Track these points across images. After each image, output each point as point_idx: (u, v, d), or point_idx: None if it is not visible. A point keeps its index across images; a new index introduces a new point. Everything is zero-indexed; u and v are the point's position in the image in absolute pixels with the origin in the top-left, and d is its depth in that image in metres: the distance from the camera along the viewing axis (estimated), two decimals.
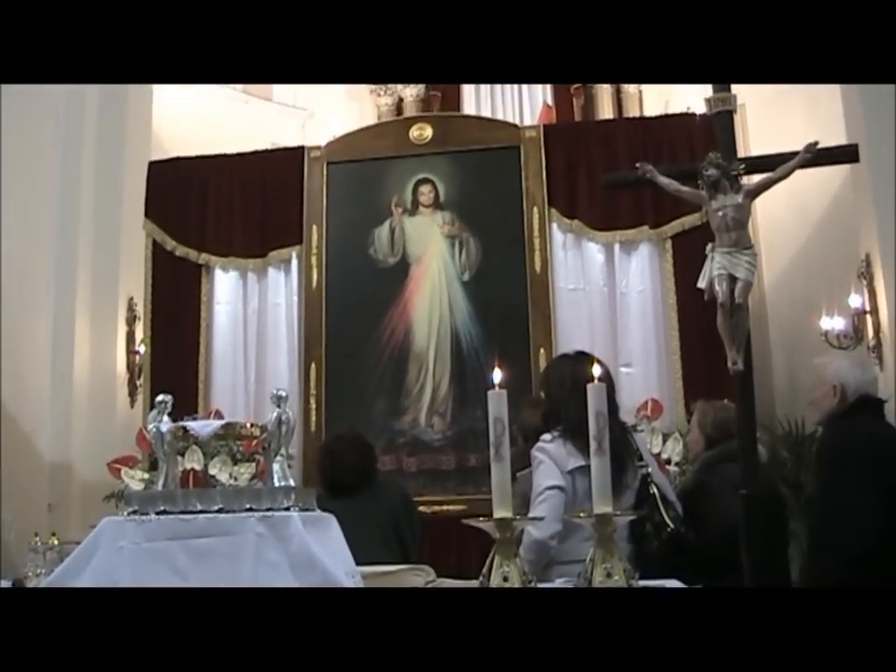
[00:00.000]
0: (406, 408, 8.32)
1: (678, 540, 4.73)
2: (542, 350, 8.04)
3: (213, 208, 8.94)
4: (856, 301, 8.27)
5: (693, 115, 8.32)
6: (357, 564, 3.58)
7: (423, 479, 8.02)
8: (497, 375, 3.48)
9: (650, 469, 4.85)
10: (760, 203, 9.16)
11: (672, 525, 4.72)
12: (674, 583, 3.82)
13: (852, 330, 8.44)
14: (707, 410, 5.84)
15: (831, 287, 8.56)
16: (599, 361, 3.89)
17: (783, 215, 9.29)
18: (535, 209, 8.36)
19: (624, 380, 8.03)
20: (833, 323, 8.49)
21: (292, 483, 3.58)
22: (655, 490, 4.77)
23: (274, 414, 3.60)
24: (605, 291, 8.42)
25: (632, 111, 11.20)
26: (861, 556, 4.49)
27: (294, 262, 8.79)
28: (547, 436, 4.87)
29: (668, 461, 7.45)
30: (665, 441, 7.52)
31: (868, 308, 8.13)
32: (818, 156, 4.84)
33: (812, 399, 5.24)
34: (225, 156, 9.05)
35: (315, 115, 12.19)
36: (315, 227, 8.65)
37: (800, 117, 8.81)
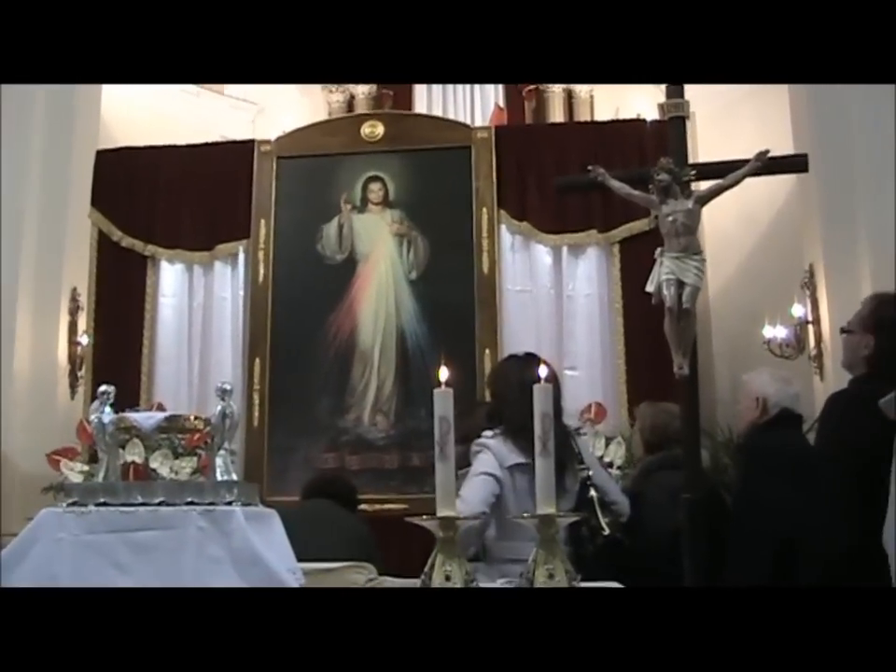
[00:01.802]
0: (350, 406, 8.29)
1: (613, 546, 4.77)
2: (488, 351, 8.04)
3: (161, 200, 8.85)
4: (799, 310, 8.34)
5: (644, 121, 8.37)
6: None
7: (366, 477, 7.98)
8: (444, 374, 3.48)
9: (590, 473, 4.89)
10: (707, 213, 9.14)
11: (608, 531, 4.75)
12: (614, 585, 3.84)
13: (794, 340, 8.51)
14: (645, 414, 5.89)
15: (775, 297, 8.62)
16: (547, 363, 3.91)
17: (730, 224, 9.34)
18: (484, 210, 8.35)
19: (569, 383, 8.03)
20: (776, 332, 8.56)
21: (235, 477, 3.56)
22: (594, 494, 4.80)
23: (219, 408, 3.58)
24: (552, 294, 8.43)
25: (583, 115, 11.22)
26: (777, 558, 4.58)
27: (241, 257, 8.72)
28: (489, 432, 4.91)
29: (611, 465, 7.47)
30: (607, 445, 7.54)
31: (811, 318, 8.20)
32: (768, 165, 4.88)
33: (737, 411, 5.33)
34: (174, 147, 8.98)
35: (266, 110, 12.13)
36: (263, 222, 8.59)
37: (748, 128, 8.87)
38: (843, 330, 4.57)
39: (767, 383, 5.14)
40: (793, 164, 5.34)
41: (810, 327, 8.21)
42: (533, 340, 8.15)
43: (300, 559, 3.56)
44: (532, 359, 4.98)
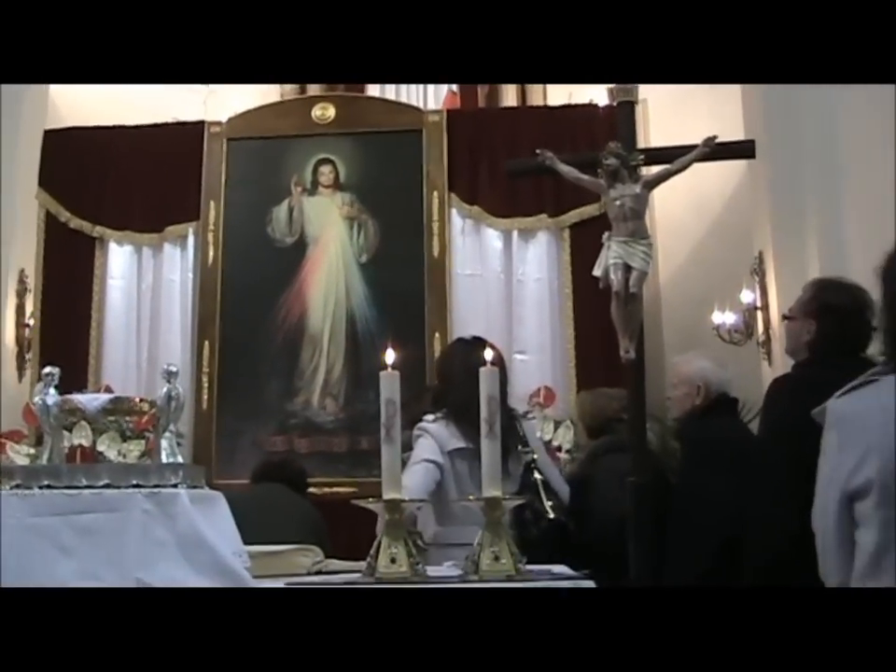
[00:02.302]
0: (299, 389, 8.28)
1: (557, 529, 4.75)
2: (438, 335, 8.06)
3: (109, 181, 8.79)
4: (748, 297, 8.39)
5: (596, 106, 8.38)
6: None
7: (315, 461, 7.96)
8: (390, 356, 3.48)
9: (535, 457, 4.88)
10: (658, 200, 9.31)
11: (552, 514, 4.75)
12: (562, 569, 3.85)
13: (743, 326, 8.56)
14: (584, 400, 5.92)
15: (724, 284, 8.66)
16: (493, 347, 3.91)
17: (681, 212, 9.38)
18: (435, 194, 8.36)
19: (518, 367, 8.07)
20: (725, 318, 8.60)
21: (181, 459, 3.53)
22: (538, 477, 4.80)
23: (164, 390, 3.55)
24: (502, 278, 8.46)
25: (536, 100, 11.20)
26: (719, 548, 4.59)
27: (191, 239, 8.68)
28: (430, 416, 4.92)
29: (559, 448, 7.52)
30: (556, 429, 7.59)
31: (759, 304, 8.25)
32: (715, 150, 4.92)
33: (673, 396, 5.31)
34: (124, 128, 8.92)
35: (217, 91, 12.02)
36: (213, 204, 8.56)
37: (702, 115, 8.88)
38: (785, 317, 4.60)
39: (707, 368, 5.12)
40: (741, 150, 5.38)
41: (759, 313, 8.26)
42: (483, 324, 8.14)
43: (250, 543, 3.55)
44: (479, 343, 4.95)
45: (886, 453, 2.52)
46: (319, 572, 3.91)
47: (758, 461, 4.24)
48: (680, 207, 9.30)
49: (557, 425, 7.62)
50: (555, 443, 7.52)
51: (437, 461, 4.76)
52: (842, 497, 2.65)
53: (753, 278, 8.26)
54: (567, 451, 7.40)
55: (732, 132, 7.45)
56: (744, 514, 4.23)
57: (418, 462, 4.69)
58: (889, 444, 2.51)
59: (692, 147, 4.90)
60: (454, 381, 4.93)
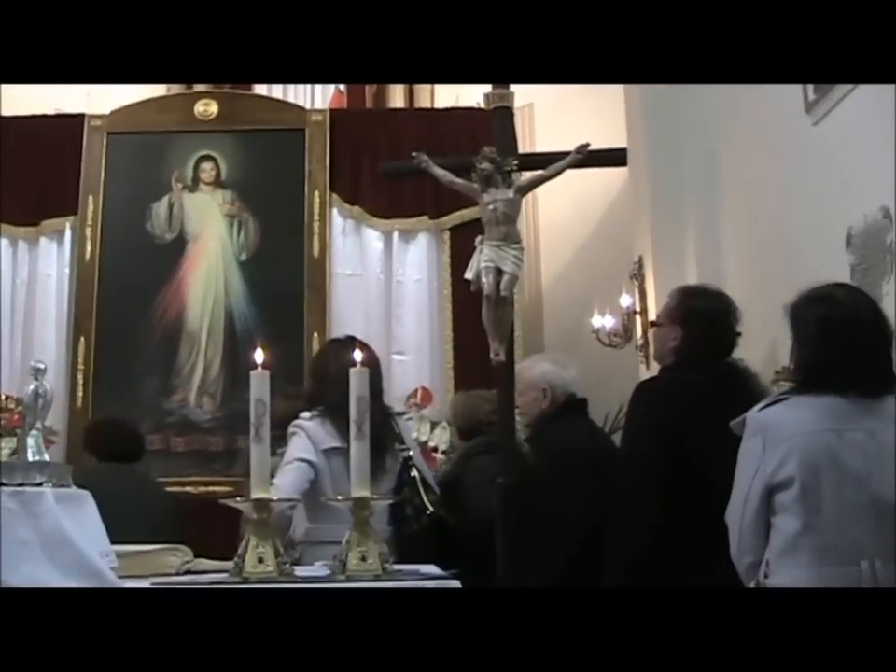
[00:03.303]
0: (176, 387, 8.23)
1: (438, 524, 4.78)
2: (317, 334, 8.08)
3: None
4: (626, 300, 8.46)
5: (481, 109, 8.39)
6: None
7: (191, 459, 7.94)
8: (260, 356, 3.48)
9: (411, 453, 4.90)
10: (542, 205, 9.44)
11: (432, 509, 4.78)
12: (430, 569, 3.87)
13: (622, 329, 8.64)
14: (457, 402, 5.95)
15: (605, 288, 8.74)
16: (366, 347, 3.93)
17: (564, 217, 9.51)
18: (316, 193, 8.37)
19: (397, 367, 8.13)
20: (604, 321, 8.68)
21: (47, 457, 3.49)
22: (416, 473, 4.82)
23: (31, 387, 3.51)
24: (382, 279, 8.50)
25: (424, 102, 11.23)
26: (575, 552, 4.64)
27: (68, 233, 8.56)
28: (306, 414, 4.89)
29: (435, 449, 7.57)
30: (433, 430, 7.64)
31: (638, 308, 8.32)
32: (588, 157, 4.98)
33: (520, 403, 5.33)
34: (1, 118, 8.76)
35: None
36: (91, 198, 8.46)
37: (586, 119, 8.98)
38: (653, 323, 4.67)
39: (550, 371, 5.14)
40: (613, 158, 5.48)
41: (638, 317, 8.34)
42: (362, 324, 8.20)
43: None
44: (352, 343, 4.95)
45: (805, 454, 3.12)
46: (188, 572, 3.89)
47: (620, 459, 4.31)
48: (563, 211, 9.43)
49: (434, 426, 7.68)
50: (431, 444, 7.58)
51: (310, 460, 4.73)
52: (765, 489, 3.19)
53: (633, 282, 8.33)
54: (443, 452, 7.45)
55: (615, 136, 7.58)
56: (601, 514, 4.30)
57: (290, 462, 4.68)
58: (806, 447, 3.13)
59: (565, 154, 4.96)
60: (327, 380, 4.91)
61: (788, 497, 3.15)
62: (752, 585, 3.25)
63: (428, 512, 4.77)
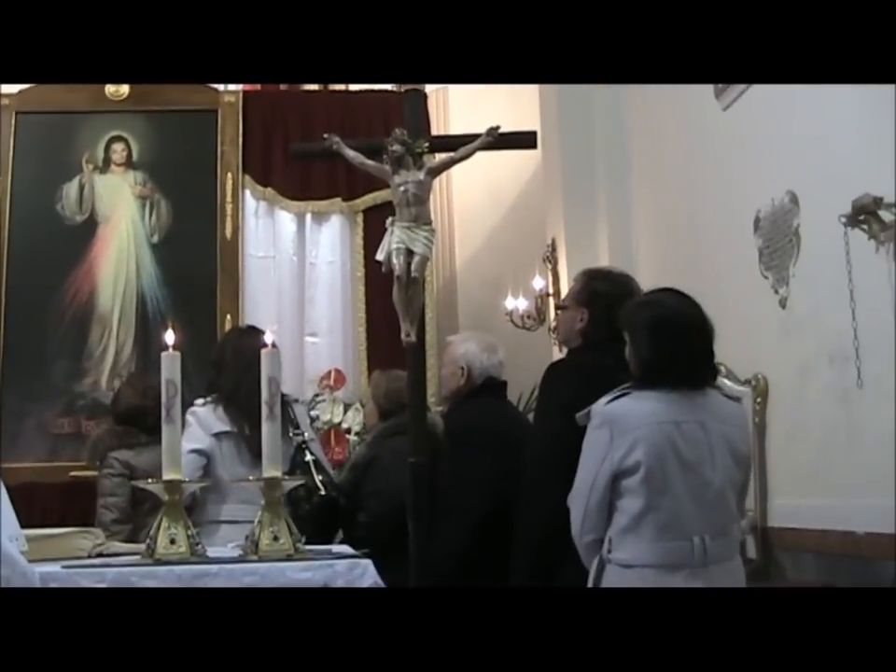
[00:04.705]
0: (87, 370, 8.13)
1: (328, 505, 4.95)
2: (229, 316, 8.04)
3: None
4: (539, 283, 8.51)
5: (395, 92, 8.39)
6: None
7: None
8: (170, 337, 3.48)
9: (307, 436, 5.06)
10: (456, 187, 9.48)
11: (323, 490, 4.89)
12: (342, 548, 3.91)
13: (535, 311, 8.68)
14: (379, 381, 5.95)
15: (518, 270, 8.78)
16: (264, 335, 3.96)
17: (478, 199, 9.59)
18: (229, 175, 8.33)
19: (310, 349, 8.17)
20: (518, 304, 8.71)
21: None
22: (310, 456, 4.93)
23: None
24: (294, 261, 8.47)
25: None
26: (478, 524, 4.77)
27: None
28: (200, 400, 5.06)
29: (349, 431, 7.59)
30: (346, 411, 7.65)
31: (551, 291, 8.38)
32: (499, 139, 5.00)
33: (441, 375, 5.45)
34: None
35: None
36: None
37: (500, 104, 9.02)
38: (558, 307, 4.72)
39: (473, 352, 5.22)
40: (523, 140, 5.46)
41: (550, 299, 8.39)
42: (274, 306, 8.24)
43: None
44: (252, 331, 5.22)
45: (650, 442, 3.48)
46: (100, 555, 3.88)
47: (530, 438, 4.37)
48: (477, 194, 9.52)
49: (347, 407, 7.70)
50: (345, 426, 7.60)
51: (199, 448, 4.91)
52: (611, 475, 3.51)
53: (546, 265, 8.39)
54: (357, 433, 7.46)
55: (529, 119, 7.62)
56: (505, 492, 4.36)
57: (183, 454, 4.78)
58: (651, 436, 3.48)
59: (476, 136, 4.98)
60: (224, 367, 5.11)
61: (633, 481, 3.49)
62: (594, 561, 3.59)
63: (321, 493, 4.90)
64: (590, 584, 3.58)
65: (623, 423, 3.52)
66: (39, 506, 7.18)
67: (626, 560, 3.49)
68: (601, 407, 3.59)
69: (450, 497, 4.94)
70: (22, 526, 3.71)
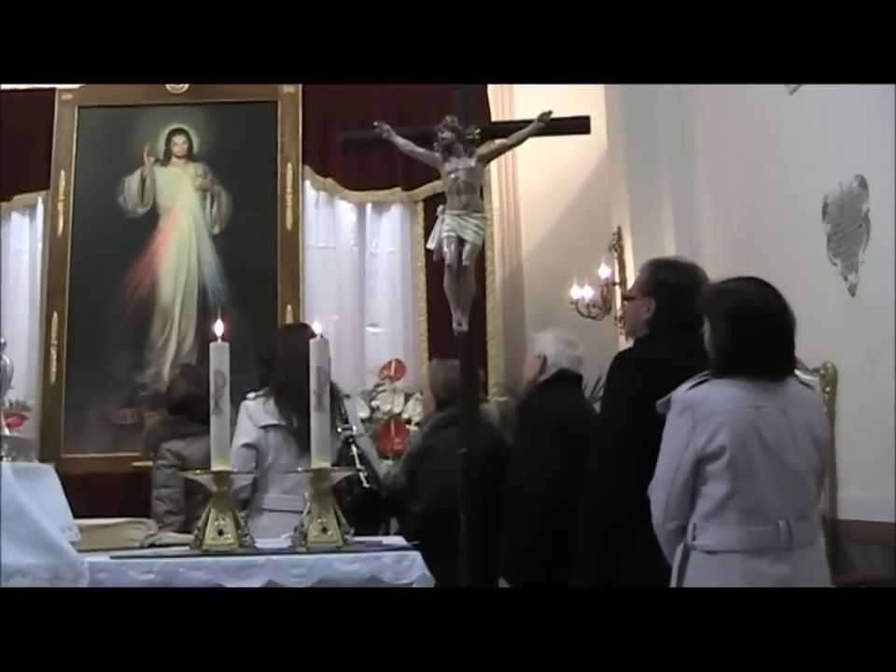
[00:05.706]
0: (149, 361, 8.17)
1: (370, 497, 5.01)
2: (290, 308, 8.05)
3: None
4: (605, 272, 8.45)
5: None
6: None
7: None
8: (219, 328, 3.47)
9: (354, 431, 5.12)
10: (521, 177, 9.42)
11: (367, 484, 4.97)
12: (393, 540, 3.90)
13: (601, 300, 8.63)
14: (437, 370, 5.95)
15: (583, 259, 8.73)
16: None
17: (543, 188, 9.53)
18: (289, 165, 8.33)
19: (370, 340, 8.18)
20: (583, 293, 8.66)
21: (6, 432, 3.48)
22: (355, 451, 4.99)
23: None
24: (355, 251, 8.46)
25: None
26: (546, 515, 4.76)
27: (40, 208, 8.49)
28: (252, 394, 5.16)
29: (409, 421, 7.57)
30: (406, 401, 7.64)
31: (617, 280, 8.32)
32: (551, 126, 4.97)
33: (523, 369, 5.46)
34: None
35: None
36: (63, 172, 8.37)
37: (563, 91, 8.94)
38: (625, 297, 4.69)
39: (550, 342, 5.27)
40: (576, 125, 5.42)
41: (616, 288, 8.34)
42: (335, 297, 8.24)
43: None
44: (302, 327, 5.31)
45: (733, 427, 3.49)
46: (152, 545, 3.89)
47: (597, 430, 4.33)
48: (542, 183, 9.46)
49: (407, 397, 7.69)
50: (405, 416, 7.59)
51: (248, 442, 5.02)
52: (695, 460, 3.53)
53: (612, 254, 8.34)
54: (417, 423, 7.44)
55: (592, 108, 7.54)
56: (575, 483, 4.32)
57: (234, 448, 4.82)
58: (733, 421, 3.49)
59: (528, 122, 4.94)
60: (274, 363, 5.17)
61: (718, 466, 3.51)
62: (678, 547, 3.61)
63: (364, 486, 4.97)
64: (674, 571, 3.61)
65: (705, 408, 3.54)
66: (101, 496, 7.21)
67: (711, 546, 3.51)
68: (682, 394, 3.62)
69: (517, 488, 4.95)
70: (84, 516, 3.74)
